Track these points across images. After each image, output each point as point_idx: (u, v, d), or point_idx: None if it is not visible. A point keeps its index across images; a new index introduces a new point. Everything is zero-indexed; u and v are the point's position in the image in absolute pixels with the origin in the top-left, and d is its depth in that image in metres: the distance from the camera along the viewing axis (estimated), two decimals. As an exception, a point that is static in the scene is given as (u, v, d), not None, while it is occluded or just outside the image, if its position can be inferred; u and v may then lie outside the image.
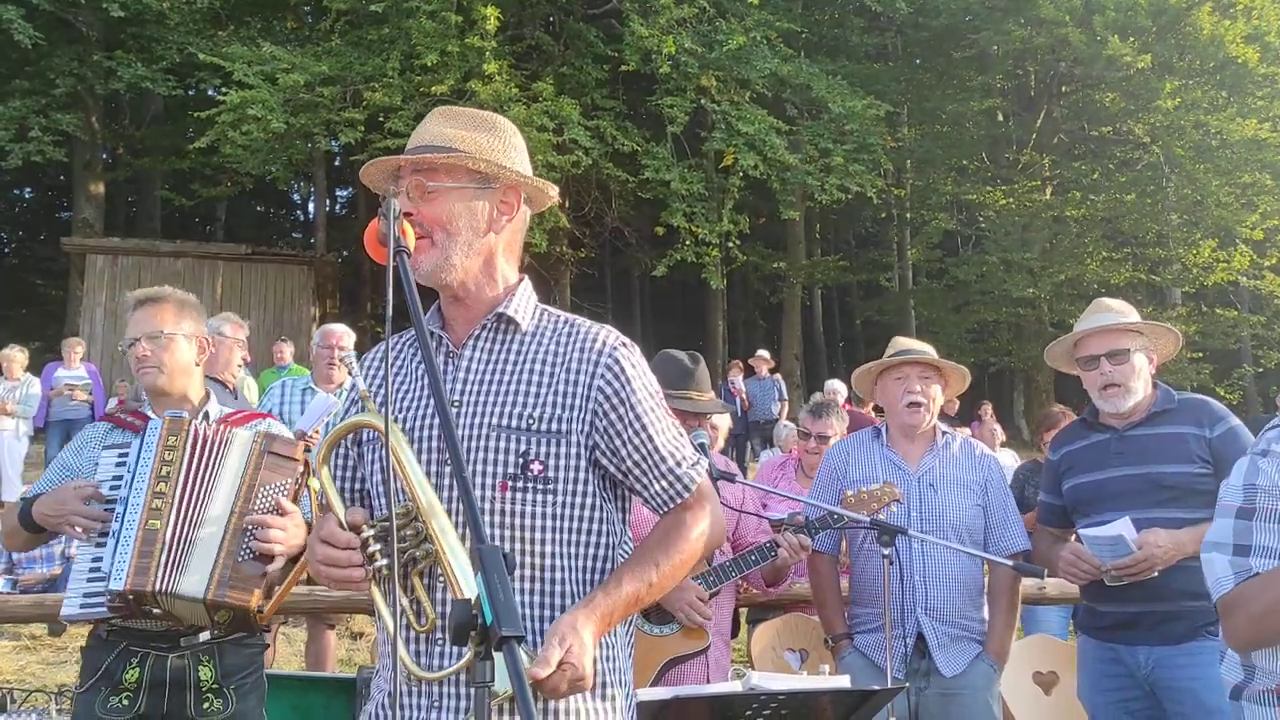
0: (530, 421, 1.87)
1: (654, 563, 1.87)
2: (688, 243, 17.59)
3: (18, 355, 11.14)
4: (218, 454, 2.80)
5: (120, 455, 2.86)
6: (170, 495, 2.73)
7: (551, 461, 1.87)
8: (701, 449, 3.33)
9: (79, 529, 2.77)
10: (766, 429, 14.25)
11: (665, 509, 1.96)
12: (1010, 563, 3.32)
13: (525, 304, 2.01)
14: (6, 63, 18.43)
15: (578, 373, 1.91)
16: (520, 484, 1.85)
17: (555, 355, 1.94)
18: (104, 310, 18.14)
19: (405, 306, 1.78)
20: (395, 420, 1.89)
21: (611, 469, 1.93)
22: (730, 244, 17.99)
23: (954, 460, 3.60)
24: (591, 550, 1.92)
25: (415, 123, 12.38)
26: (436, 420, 1.86)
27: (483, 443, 1.86)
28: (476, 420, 1.88)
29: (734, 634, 4.08)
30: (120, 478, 2.82)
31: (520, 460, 1.86)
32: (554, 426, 1.88)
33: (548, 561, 1.86)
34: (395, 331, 1.90)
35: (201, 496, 2.76)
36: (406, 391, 1.99)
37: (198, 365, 3.10)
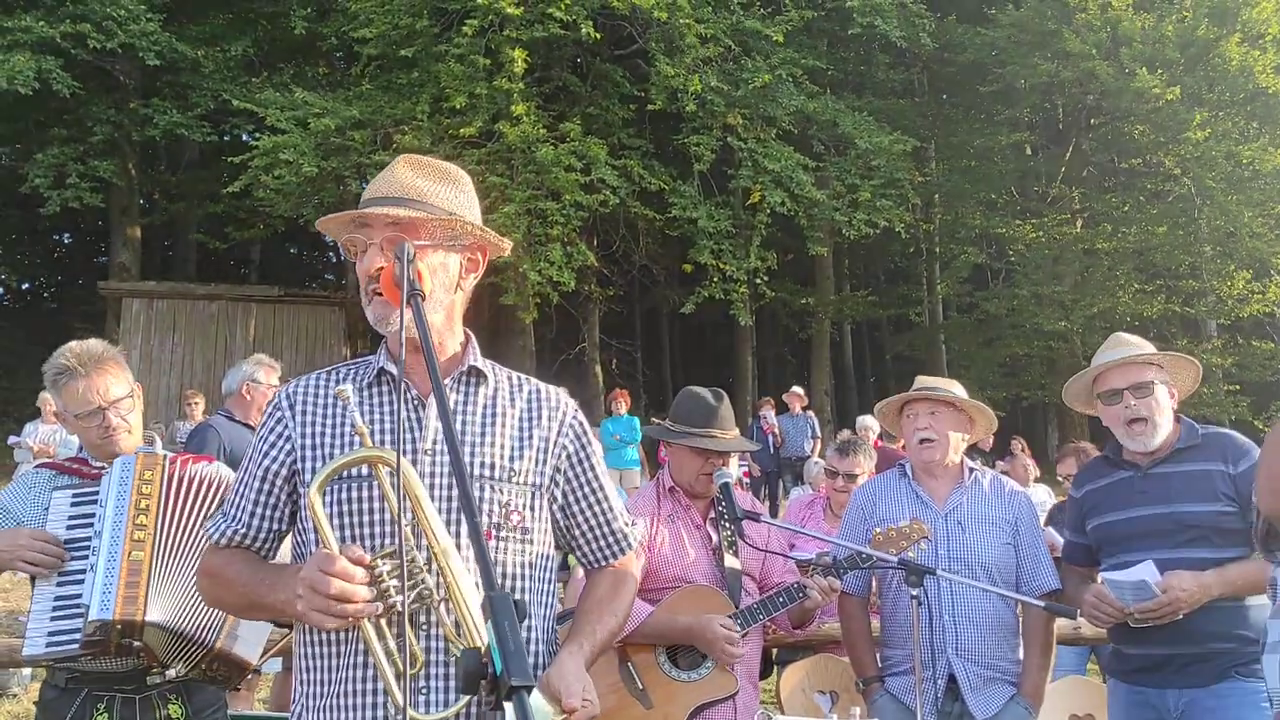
0: (513, 474, 1.94)
1: (614, 613, 2.02)
2: (715, 280, 17.61)
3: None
4: (198, 490, 2.80)
5: (75, 496, 2.83)
6: (150, 527, 2.71)
7: (529, 513, 1.95)
8: (726, 489, 3.31)
9: (27, 566, 2.71)
10: (799, 466, 14.14)
11: (600, 564, 2.09)
12: (1041, 603, 3.25)
13: (481, 357, 2.05)
14: (45, 111, 18.84)
15: (550, 431, 2.01)
16: (503, 534, 1.91)
17: (528, 412, 2.01)
18: (140, 354, 18.36)
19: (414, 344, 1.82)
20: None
21: (560, 522, 2.03)
22: (758, 280, 17.98)
23: (983, 498, 3.54)
24: (550, 599, 2.02)
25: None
26: (419, 468, 1.86)
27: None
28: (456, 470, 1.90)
29: (764, 675, 4.02)
30: (78, 517, 2.79)
31: (503, 510, 1.91)
32: (534, 480, 1.97)
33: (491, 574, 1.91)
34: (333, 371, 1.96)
35: (186, 532, 2.75)
36: (379, 430, 1.94)
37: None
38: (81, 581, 2.69)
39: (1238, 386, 21.72)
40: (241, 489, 2.00)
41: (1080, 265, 21.86)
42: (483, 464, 1.92)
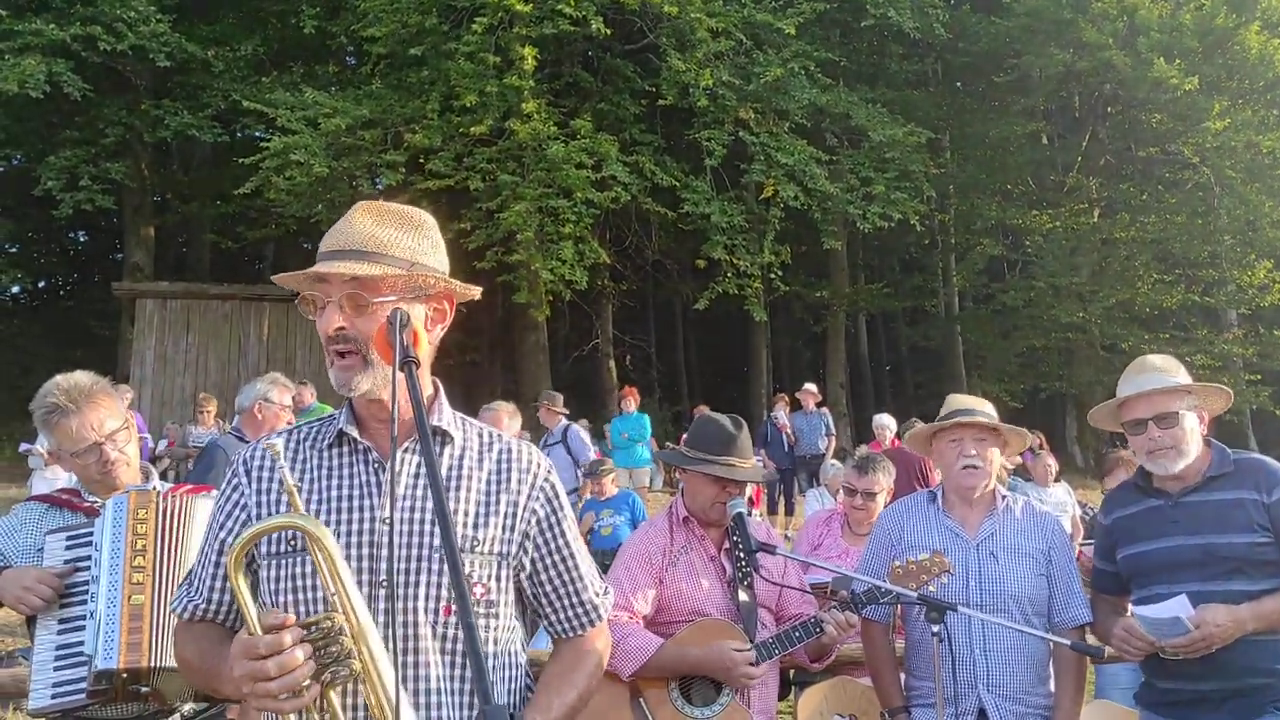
0: (475, 543, 1.82)
1: (573, 686, 1.88)
2: (729, 275, 17.50)
3: (70, 404, 11.25)
4: (194, 526, 2.73)
5: (70, 539, 2.77)
6: (149, 568, 2.65)
7: (493, 584, 1.84)
8: (740, 520, 3.23)
9: (40, 604, 2.67)
10: (813, 464, 14.04)
11: (569, 635, 1.97)
12: (1068, 642, 3.15)
13: (450, 414, 1.93)
14: (57, 114, 18.87)
15: (517, 494, 1.88)
16: None
17: (494, 475, 1.89)
18: (154, 354, 18.41)
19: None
20: (328, 527, 1.76)
21: (527, 590, 1.92)
22: (772, 275, 17.86)
23: (1016, 526, 3.43)
24: (515, 671, 1.92)
25: (455, 163, 12.34)
26: (375, 536, 1.76)
27: (425, 564, 1.77)
28: (416, 540, 1.79)
29: (782, 696, 3.94)
30: (74, 560, 2.73)
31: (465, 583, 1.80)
32: (498, 549, 1.85)
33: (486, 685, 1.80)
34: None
35: (184, 568, 2.68)
36: (326, 502, 1.83)
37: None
38: (82, 628, 2.64)
39: (1259, 376, 21.52)
40: (202, 559, 1.91)
41: (1098, 255, 21.66)
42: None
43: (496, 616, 1.84)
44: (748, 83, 17.11)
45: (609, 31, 16.80)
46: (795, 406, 15.16)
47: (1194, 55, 18.77)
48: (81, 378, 2.91)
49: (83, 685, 2.59)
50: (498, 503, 1.86)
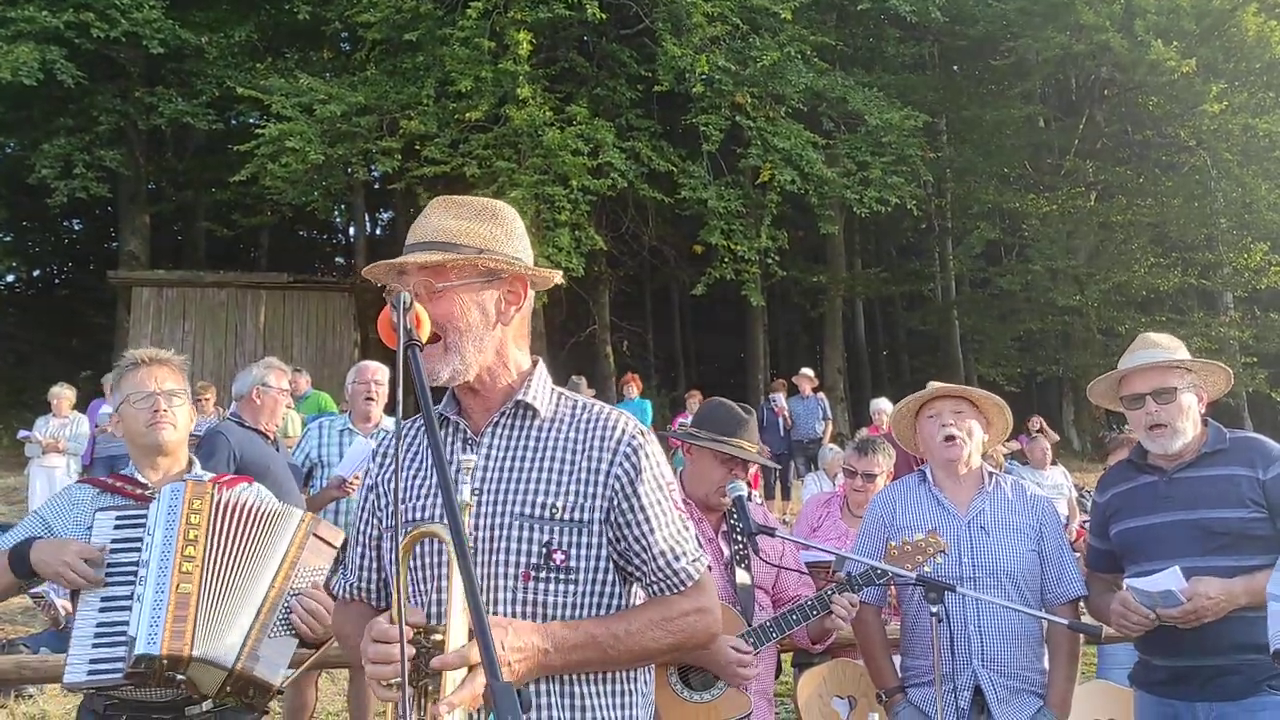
0: (553, 511, 1.87)
1: (625, 621, 1.88)
2: (726, 260, 17.49)
3: (66, 393, 11.28)
4: (244, 520, 2.77)
5: (120, 518, 2.81)
6: (199, 559, 2.68)
7: (574, 551, 1.87)
8: (740, 502, 3.25)
9: (75, 579, 2.70)
10: (810, 449, 14.08)
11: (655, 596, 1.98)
12: (1066, 621, 3.17)
13: (542, 390, 2.00)
14: (51, 102, 18.76)
15: (598, 460, 1.91)
16: (543, 574, 1.85)
17: (577, 443, 1.93)
18: (149, 342, 18.30)
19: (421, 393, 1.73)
20: (419, 514, 1.92)
21: (616, 555, 1.92)
22: (769, 260, 17.85)
23: (1006, 502, 3.46)
24: None
25: (451, 150, 12.35)
26: (465, 511, 1.83)
27: (505, 532, 1.86)
28: (499, 509, 1.88)
29: (776, 674, 3.96)
30: (121, 540, 2.76)
31: (543, 550, 1.85)
32: (576, 516, 1.88)
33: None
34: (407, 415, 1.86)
35: (233, 564, 2.72)
36: (424, 481, 1.97)
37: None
38: (124, 608, 2.68)
39: (1255, 359, 21.58)
40: (355, 538, 2.11)
41: (1095, 239, 21.68)
42: (522, 503, 1.87)
43: (575, 583, 1.87)
44: (744, 67, 17.06)
45: (604, 16, 16.72)
46: (792, 391, 15.19)
47: (1191, 37, 18.74)
48: (162, 350, 3.17)
49: (121, 665, 2.62)
50: (578, 470, 1.90)
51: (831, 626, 3.29)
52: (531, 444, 1.93)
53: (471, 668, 1.62)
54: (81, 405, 11.80)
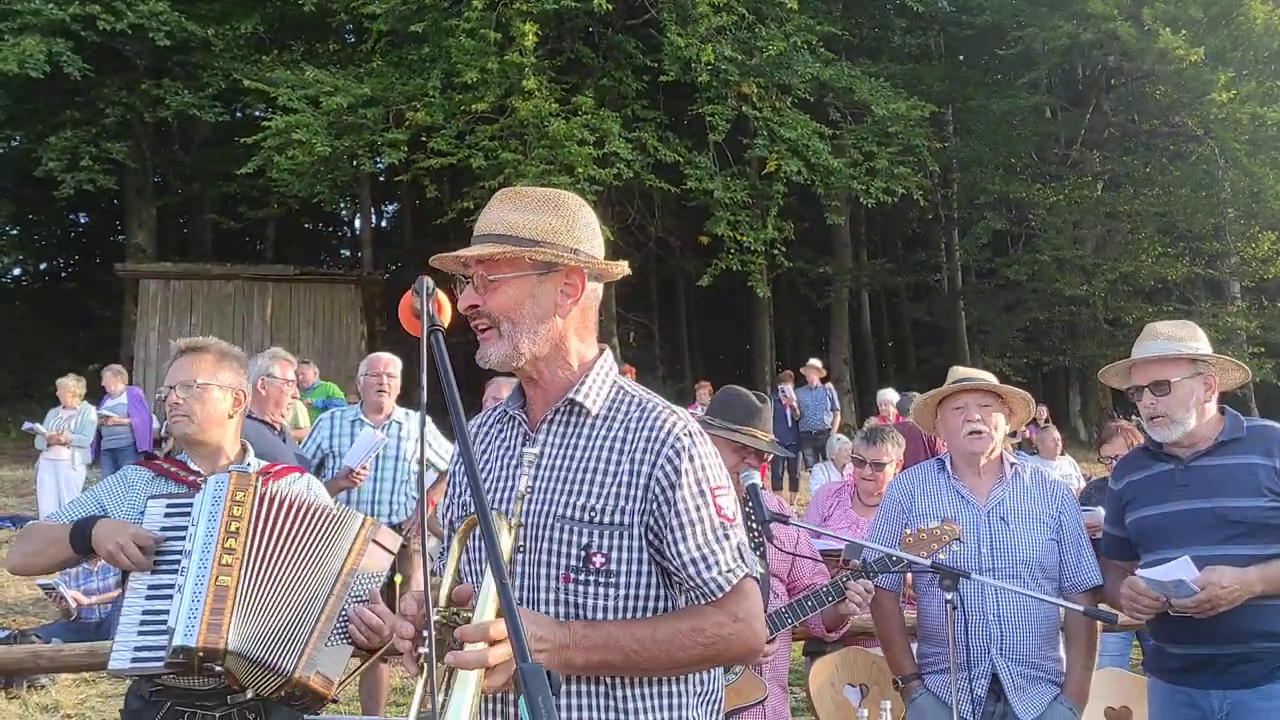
0: (592, 514, 1.85)
1: (651, 627, 1.83)
2: (732, 251, 17.48)
3: (73, 385, 11.29)
4: (288, 514, 2.76)
5: (170, 506, 2.82)
6: (240, 551, 2.68)
7: (614, 554, 1.84)
8: (753, 490, 3.25)
9: (125, 561, 2.72)
10: (819, 439, 14.08)
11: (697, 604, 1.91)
12: (1081, 608, 3.17)
13: (598, 385, 1.95)
14: (57, 94, 18.80)
15: (641, 462, 1.86)
16: (582, 576, 1.84)
17: (624, 442, 1.89)
18: (157, 334, 18.39)
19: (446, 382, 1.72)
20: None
21: (658, 558, 1.88)
22: (776, 251, 17.83)
23: (1026, 492, 3.45)
24: None
25: (457, 141, 12.31)
26: (517, 506, 1.84)
27: (547, 533, 1.85)
28: (543, 509, 1.87)
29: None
30: (170, 529, 2.77)
31: (582, 553, 1.84)
32: (616, 519, 1.85)
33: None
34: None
35: (276, 558, 2.71)
36: (488, 472, 2.00)
37: (232, 417, 3.05)
38: (169, 597, 2.69)
39: (1262, 349, 21.54)
40: (443, 524, 2.17)
41: (1102, 229, 21.64)
42: (565, 504, 1.85)
43: (615, 586, 1.84)
44: (750, 57, 17.02)
45: (610, 7, 16.68)
46: (800, 382, 15.18)
47: (1199, 26, 18.68)
48: (219, 341, 3.15)
49: (162, 655, 2.62)
50: (620, 472, 1.86)
51: (846, 612, 3.29)
52: (581, 442, 1.91)
53: (492, 643, 1.61)
54: (93, 392, 11.82)
